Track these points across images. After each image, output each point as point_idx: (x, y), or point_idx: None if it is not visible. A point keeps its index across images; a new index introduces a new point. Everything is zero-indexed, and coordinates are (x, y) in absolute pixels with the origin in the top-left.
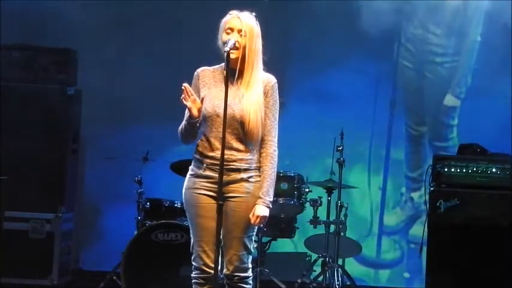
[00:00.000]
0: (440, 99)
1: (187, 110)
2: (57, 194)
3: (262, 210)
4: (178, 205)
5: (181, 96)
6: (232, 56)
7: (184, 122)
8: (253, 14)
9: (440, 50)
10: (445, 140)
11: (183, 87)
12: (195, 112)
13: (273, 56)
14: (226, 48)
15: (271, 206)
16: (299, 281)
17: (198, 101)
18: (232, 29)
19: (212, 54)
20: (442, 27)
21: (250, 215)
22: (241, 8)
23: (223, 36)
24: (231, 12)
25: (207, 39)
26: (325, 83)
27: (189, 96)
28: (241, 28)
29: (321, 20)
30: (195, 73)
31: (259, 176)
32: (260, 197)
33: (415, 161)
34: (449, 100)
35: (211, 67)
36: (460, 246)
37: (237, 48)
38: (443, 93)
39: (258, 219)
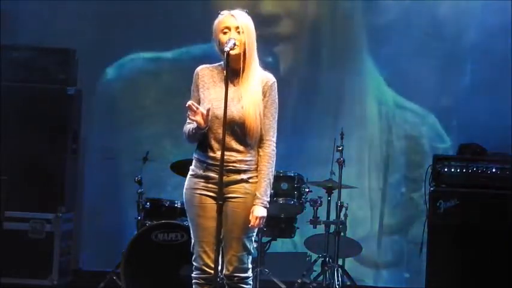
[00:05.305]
0: None
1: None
2: (57, 194)
3: (260, 211)
4: (178, 205)
5: (185, 104)
6: (233, 52)
7: (191, 129)
8: (245, 10)
9: (435, 52)
10: (443, 141)
11: (187, 106)
12: (203, 123)
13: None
14: (226, 48)
15: (268, 206)
16: (299, 281)
17: (204, 112)
18: (229, 28)
19: (213, 55)
20: (437, 29)
21: (250, 217)
22: (242, 8)
23: (220, 37)
24: (222, 12)
25: (208, 40)
26: (326, 83)
27: (195, 112)
28: (238, 25)
29: (321, 20)
30: (195, 72)
31: None
32: (257, 198)
33: (415, 161)
34: None
35: (211, 65)
36: (460, 246)
37: (237, 46)
38: None
39: (257, 221)
